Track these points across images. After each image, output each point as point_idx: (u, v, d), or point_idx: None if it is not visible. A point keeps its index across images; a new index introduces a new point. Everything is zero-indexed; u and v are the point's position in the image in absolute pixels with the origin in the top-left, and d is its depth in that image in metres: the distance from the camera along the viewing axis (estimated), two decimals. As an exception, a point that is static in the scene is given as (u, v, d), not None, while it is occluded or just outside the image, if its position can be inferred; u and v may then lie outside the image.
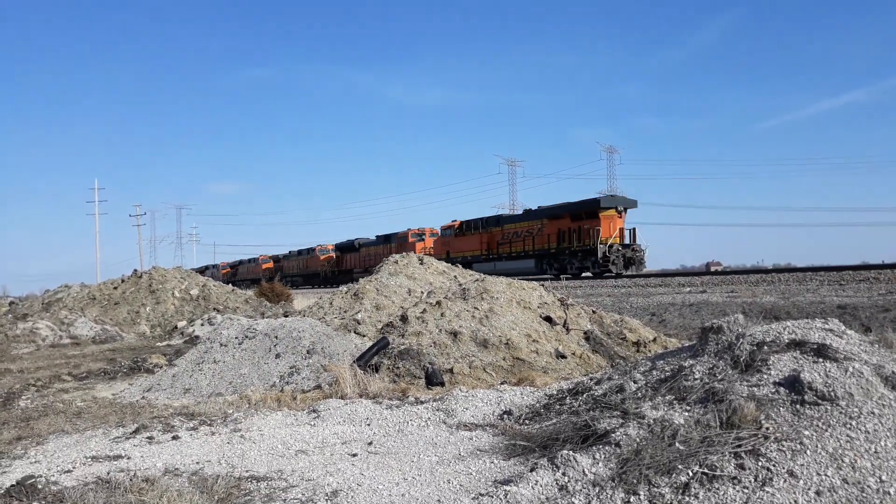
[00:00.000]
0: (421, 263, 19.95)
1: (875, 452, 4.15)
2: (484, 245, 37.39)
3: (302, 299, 35.25)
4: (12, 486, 5.06)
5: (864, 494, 3.82)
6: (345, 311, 16.54)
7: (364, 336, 13.32)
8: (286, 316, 18.58)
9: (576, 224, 33.72)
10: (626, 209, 33.95)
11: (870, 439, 4.26)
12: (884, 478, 3.93)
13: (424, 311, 12.02)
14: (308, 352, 10.81)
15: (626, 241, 33.67)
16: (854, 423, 4.42)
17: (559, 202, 34.92)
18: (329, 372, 9.81)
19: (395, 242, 49.10)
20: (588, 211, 33.52)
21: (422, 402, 7.55)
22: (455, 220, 42.56)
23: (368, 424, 6.92)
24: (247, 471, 5.50)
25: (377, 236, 58.33)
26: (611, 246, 32.83)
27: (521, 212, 46.46)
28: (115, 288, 28.78)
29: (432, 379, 9.42)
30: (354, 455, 5.85)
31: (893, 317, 16.07)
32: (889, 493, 3.80)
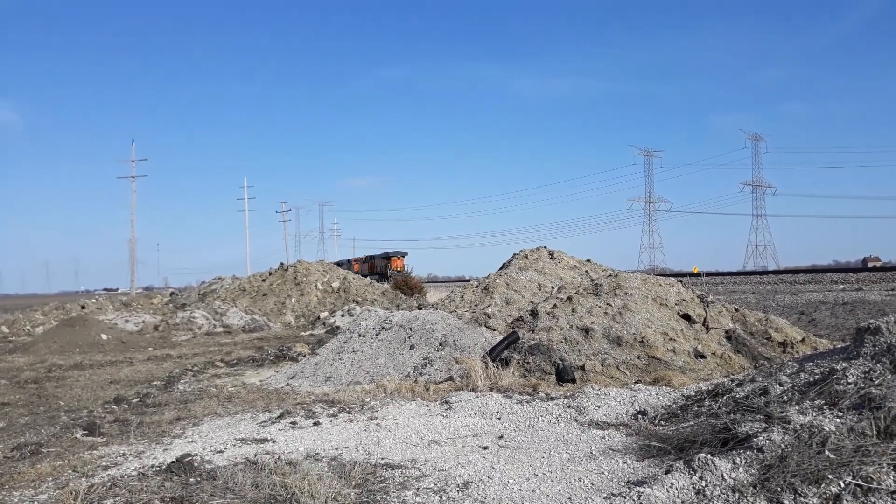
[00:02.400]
0: (551, 258, 19.81)
1: None
2: (366, 268, 60.39)
3: (434, 292, 35.98)
4: (172, 462, 5.53)
5: None
6: (475, 305, 16.73)
7: (494, 330, 13.41)
8: (420, 308, 19.05)
9: (383, 261, 60.42)
10: (405, 255, 61.05)
11: None
12: None
13: (555, 306, 11.93)
14: (440, 344, 11.04)
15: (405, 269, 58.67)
16: None
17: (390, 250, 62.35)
18: (460, 364, 9.97)
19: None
20: (387, 255, 61.05)
21: (552, 399, 7.52)
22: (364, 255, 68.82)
23: (499, 418, 6.97)
24: (382, 458, 5.70)
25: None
26: (396, 271, 57.12)
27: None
28: (263, 280, 30.64)
29: (563, 375, 9.34)
30: (485, 448, 5.92)
31: None
32: None
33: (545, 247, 21.26)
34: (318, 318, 24.72)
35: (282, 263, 32.90)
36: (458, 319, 12.92)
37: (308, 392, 9.45)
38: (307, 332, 21.72)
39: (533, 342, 10.53)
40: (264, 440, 6.50)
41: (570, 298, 12.14)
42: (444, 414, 7.28)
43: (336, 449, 6.06)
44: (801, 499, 3.88)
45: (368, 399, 8.25)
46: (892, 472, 3.90)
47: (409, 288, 34.47)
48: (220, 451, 6.12)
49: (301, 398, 8.85)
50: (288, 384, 10.42)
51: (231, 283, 31.95)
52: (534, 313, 11.91)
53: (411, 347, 11.03)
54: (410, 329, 11.51)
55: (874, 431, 4.31)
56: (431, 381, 9.63)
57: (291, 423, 7.22)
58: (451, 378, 9.55)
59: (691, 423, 5.81)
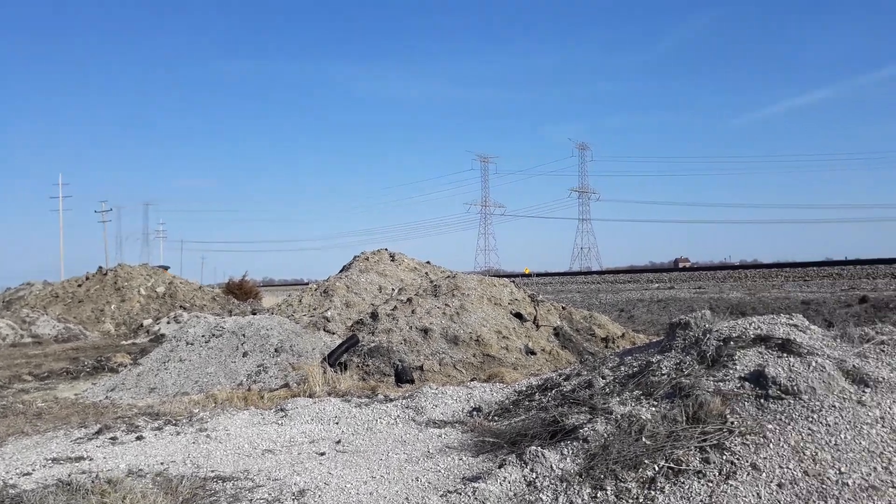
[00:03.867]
0: (392, 260, 19.90)
1: (835, 445, 4.21)
2: None
3: (271, 297, 34.99)
4: (-32, 489, 4.93)
5: (824, 486, 3.87)
6: (314, 309, 16.43)
7: (333, 334, 13.23)
8: (254, 314, 18.39)
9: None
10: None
11: (830, 432, 4.33)
12: (843, 469, 3.99)
13: (395, 308, 11.98)
14: (276, 350, 10.71)
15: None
16: (815, 416, 4.49)
17: None
18: (297, 370, 9.73)
19: None
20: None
21: (391, 400, 7.52)
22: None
23: (337, 423, 6.86)
24: (212, 471, 5.42)
25: None
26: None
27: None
28: (80, 286, 28.26)
29: (402, 376, 9.39)
30: (322, 454, 5.80)
31: (855, 312, 16.42)
32: (847, 485, 3.86)
33: (386, 249, 21.30)
34: (142, 325, 23.18)
35: (100, 267, 30.48)
36: (295, 324, 12.61)
37: (130, 405, 8.80)
38: (129, 341, 20.29)
39: (373, 344, 10.50)
40: (80, 458, 5.96)
41: (410, 300, 12.24)
42: (280, 422, 7.06)
43: (162, 464, 5.68)
44: (622, 484, 4.13)
45: (197, 410, 7.82)
46: (699, 454, 4.26)
47: (242, 293, 33.22)
48: (28, 474, 5.53)
49: (122, 411, 8.22)
50: (107, 397, 9.65)
51: (42, 288, 29.15)
52: (374, 315, 11.89)
53: (244, 355, 10.61)
54: (244, 335, 11.08)
55: (684, 418, 4.68)
56: (266, 388, 9.32)
57: (111, 438, 6.69)
58: (287, 385, 9.30)
59: (523, 417, 6.03)
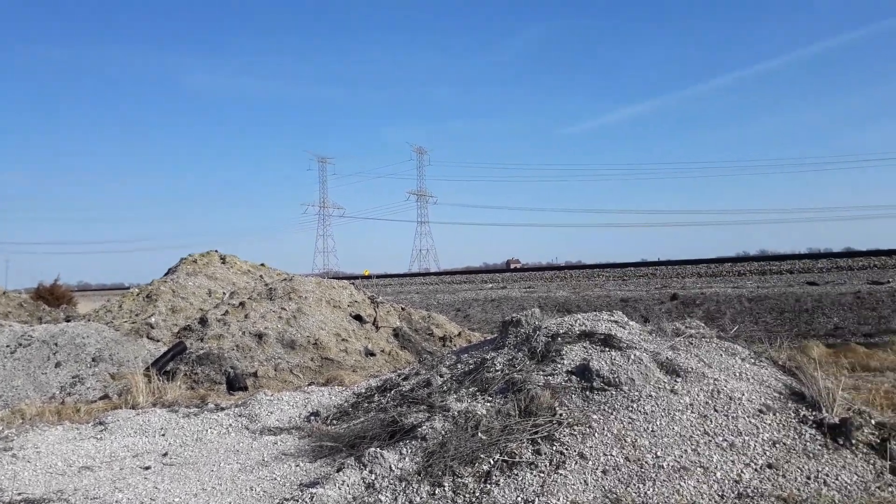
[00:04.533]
0: (223, 262, 19.10)
1: (652, 431, 4.55)
2: None
3: (87, 302, 32.41)
4: None
5: (643, 470, 4.17)
6: (136, 315, 15.40)
7: (158, 341, 12.46)
8: (68, 321, 16.91)
9: None
10: None
11: (648, 419, 4.67)
12: (659, 453, 4.32)
13: (227, 312, 11.49)
14: (94, 359, 9.90)
15: None
16: (635, 405, 4.83)
17: None
18: (118, 380, 9.06)
19: None
20: None
21: (223, 409, 7.19)
22: None
23: (163, 434, 6.45)
24: (19, 493, 4.90)
25: None
26: None
27: None
28: None
29: (234, 384, 9.02)
30: (147, 468, 5.42)
31: (667, 308, 17.91)
32: (662, 467, 4.18)
33: (217, 251, 20.38)
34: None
35: None
36: (115, 331, 11.73)
37: (-83, 427, 7.76)
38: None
39: (202, 351, 10.00)
40: None
41: (242, 304, 11.79)
42: (99, 436, 6.52)
43: (-44, 491, 5.05)
44: (459, 479, 4.21)
45: (1, 428, 7.05)
46: (531, 446, 4.43)
47: (54, 298, 30.44)
48: None
49: None
50: None
51: None
52: (203, 321, 11.33)
53: (57, 365, 9.71)
54: (56, 345, 10.14)
55: (517, 412, 4.86)
56: (83, 400, 8.59)
57: None
58: (106, 396, 8.62)
59: (362, 419, 5.99)
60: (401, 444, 4.83)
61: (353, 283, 14.56)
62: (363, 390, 7.23)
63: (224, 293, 16.05)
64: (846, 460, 4.26)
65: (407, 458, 4.60)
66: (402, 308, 14.04)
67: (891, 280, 18.77)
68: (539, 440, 4.48)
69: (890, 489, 3.94)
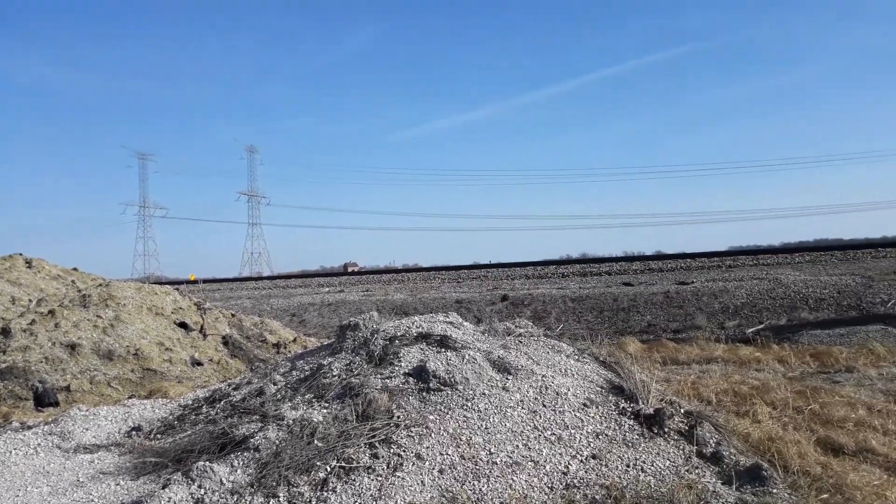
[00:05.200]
0: (29, 267, 17.39)
1: (486, 428, 4.68)
2: None
3: None
4: None
5: (478, 467, 4.28)
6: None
7: (-49, 355, 11.09)
8: None
9: None
10: None
11: (482, 417, 4.80)
12: (493, 450, 4.45)
13: (33, 321, 10.45)
14: None
15: None
16: (470, 404, 4.94)
17: None
18: None
19: None
20: None
21: (30, 427, 6.53)
22: None
23: (-45, 461, 5.73)
24: None
25: None
26: None
27: None
28: None
29: (43, 399, 8.22)
30: (-66, 500, 4.79)
31: (499, 309, 18.59)
32: (496, 463, 4.31)
33: (21, 254, 18.49)
34: None
35: None
36: None
37: None
38: None
39: (4, 365, 9.03)
40: None
41: (52, 312, 10.78)
42: None
43: None
44: (294, 489, 4.09)
45: None
46: (368, 450, 4.40)
47: None
48: None
49: None
50: None
51: None
52: (5, 331, 10.23)
53: None
54: None
55: (354, 416, 4.81)
56: None
57: None
58: None
59: (189, 432, 5.67)
60: (232, 456, 4.62)
61: (177, 289, 13.79)
62: (190, 402, 6.86)
63: (30, 300, 14.61)
64: (660, 447, 4.61)
65: (239, 471, 4.41)
66: (233, 314, 13.50)
67: (694, 281, 20.68)
68: (377, 444, 4.46)
69: (697, 471, 4.32)
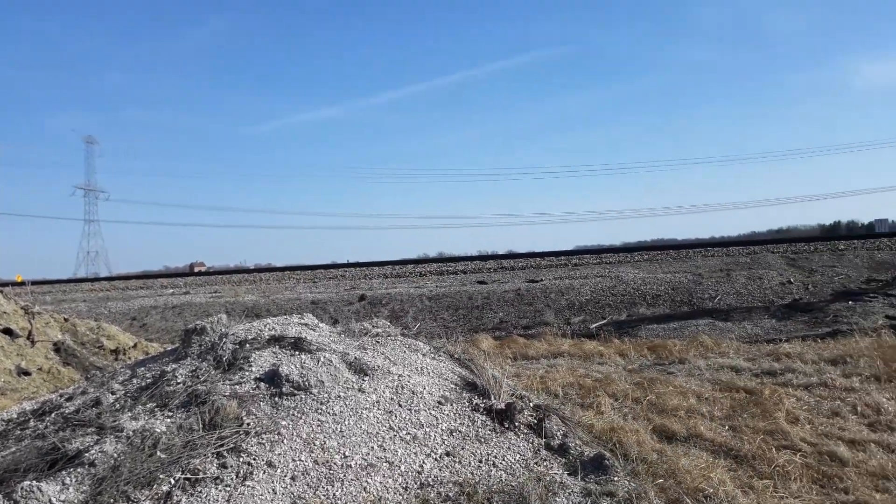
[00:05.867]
0: None
1: (341, 432, 4.61)
2: None
3: None
4: None
5: (332, 471, 4.20)
6: None
7: None
8: None
9: None
10: None
11: (336, 420, 4.73)
12: (347, 453, 4.40)
13: None
14: None
15: None
16: (324, 407, 4.85)
17: None
18: None
19: None
20: None
21: None
22: None
23: None
24: None
25: None
26: None
27: None
28: None
29: None
30: None
31: (356, 309, 18.47)
32: (351, 466, 4.26)
33: None
34: None
35: None
36: None
37: None
38: None
39: None
40: None
41: None
42: None
43: None
44: (134, 505, 3.84)
45: None
46: (216, 460, 4.21)
47: None
48: None
49: None
50: None
51: None
52: None
53: None
54: None
55: (201, 425, 4.58)
56: None
57: None
58: None
59: (13, 449, 5.17)
60: (64, 473, 4.26)
61: (0, 292, 12.58)
62: (15, 416, 6.25)
63: None
64: (511, 441, 4.75)
65: (72, 488, 4.07)
66: (66, 318, 12.49)
67: (544, 279, 21.57)
68: (225, 453, 4.27)
69: (545, 464, 4.49)
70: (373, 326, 6.76)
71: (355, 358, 5.57)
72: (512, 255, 36.10)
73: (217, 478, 4.07)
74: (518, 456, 4.58)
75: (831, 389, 6.90)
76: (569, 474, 4.36)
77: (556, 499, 4.04)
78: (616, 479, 4.29)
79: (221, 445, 4.32)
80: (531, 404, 5.28)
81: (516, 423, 4.94)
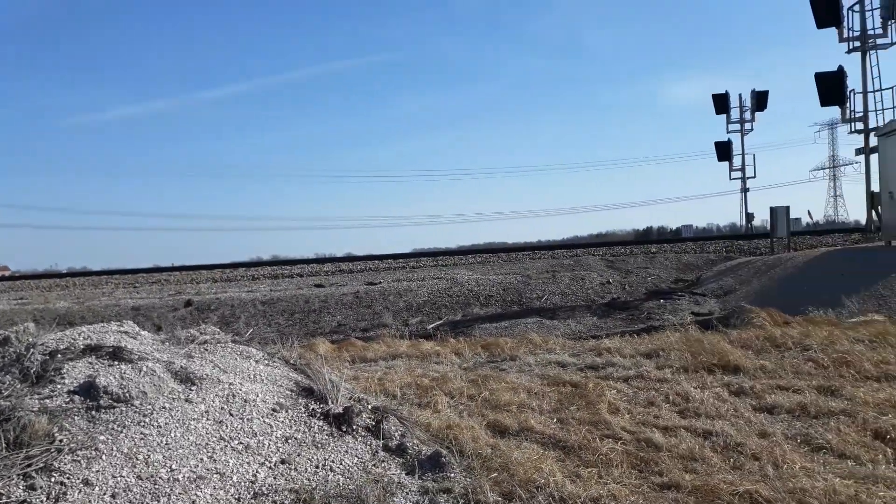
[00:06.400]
0: None
1: (166, 444, 4.35)
2: None
3: None
4: None
5: (157, 486, 3.95)
6: None
7: None
8: None
9: None
10: None
11: (161, 433, 4.45)
12: (174, 466, 4.15)
13: None
14: None
15: None
16: (148, 420, 4.55)
17: None
18: None
19: None
20: None
21: None
22: None
23: None
24: None
25: None
26: None
27: None
28: None
29: None
30: None
31: (182, 315, 17.54)
32: (178, 480, 4.02)
33: None
34: None
35: None
36: None
37: None
38: None
39: None
40: None
41: None
42: None
43: None
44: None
45: None
46: (23, 482, 3.82)
47: None
48: None
49: None
50: None
51: None
52: None
53: None
54: None
55: (5, 444, 4.13)
56: None
57: None
58: None
59: None
60: None
61: None
62: None
63: None
64: (349, 445, 4.71)
65: None
66: None
67: (382, 281, 21.65)
68: (34, 473, 3.88)
69: (383, 465, 4.49)
70: (201, 333, 6.43)
71: (181, 367, 5.28)
72: (350, 258, 35.98)
73: (24, 501, 3.69)
74: (356, 459, 4.55)
75: (647, 381, 7.45)
76: (407, 474, 4.39)
77: (394, 499, 4.05)
78: (452, 475, 4.37)
79: (29, 465, 3.92)
80: (369, 406, 5.26)
81: (354, 427, 4.90)
